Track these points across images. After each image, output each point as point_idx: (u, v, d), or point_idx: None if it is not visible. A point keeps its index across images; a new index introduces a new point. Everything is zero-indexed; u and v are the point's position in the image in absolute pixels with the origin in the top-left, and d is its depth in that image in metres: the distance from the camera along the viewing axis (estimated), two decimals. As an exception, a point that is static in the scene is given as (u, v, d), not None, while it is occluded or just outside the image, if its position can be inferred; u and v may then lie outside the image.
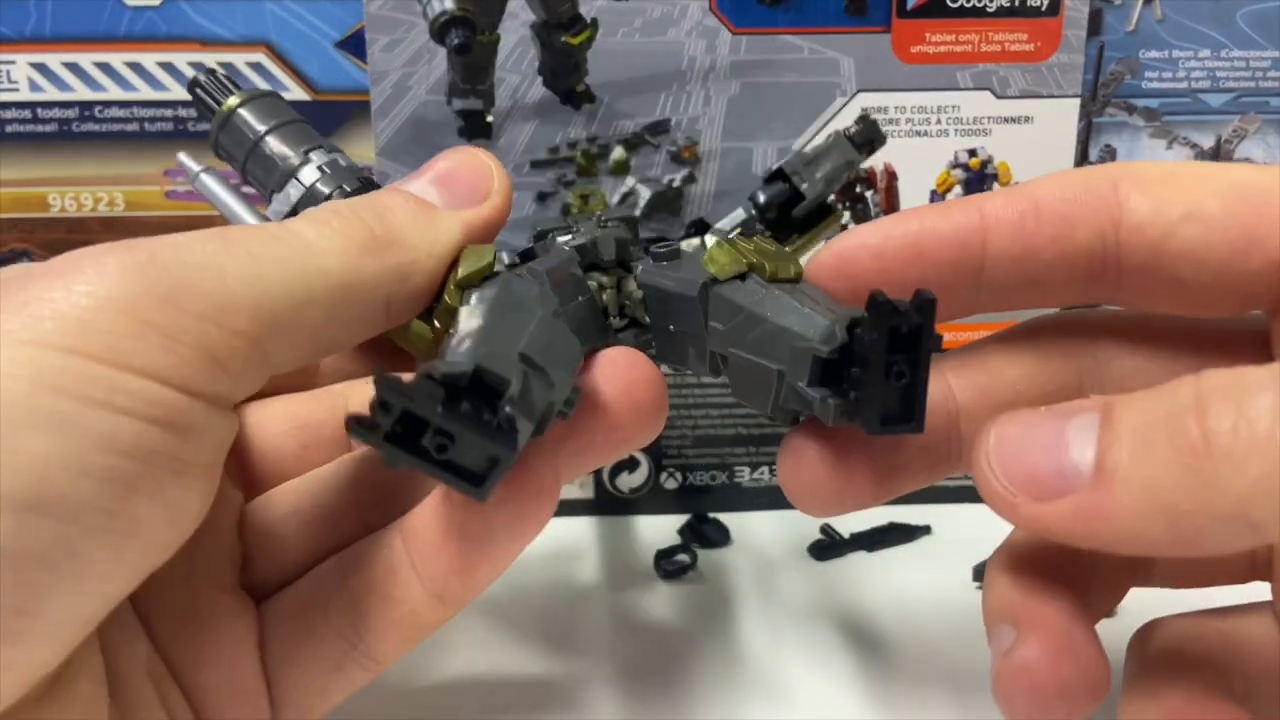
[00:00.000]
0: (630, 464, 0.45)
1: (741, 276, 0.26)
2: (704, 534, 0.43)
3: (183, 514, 0.23)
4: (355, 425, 0.21)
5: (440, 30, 0.40)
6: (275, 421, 0.31)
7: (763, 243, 0.28)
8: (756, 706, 0.34)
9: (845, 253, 0.27)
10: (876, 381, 0.23)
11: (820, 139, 0.42)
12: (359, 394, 0.32)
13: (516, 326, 0.23)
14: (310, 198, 0.30)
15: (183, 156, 0.33)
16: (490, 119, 0.41)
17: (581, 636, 0.35)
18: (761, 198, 0.32)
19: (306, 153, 0.31)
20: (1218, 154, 0.44)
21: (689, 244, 0.29)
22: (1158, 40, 0.42)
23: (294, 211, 0.30)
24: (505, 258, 0.28)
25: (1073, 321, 0.28)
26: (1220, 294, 0.25)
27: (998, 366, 0.27)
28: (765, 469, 0.45)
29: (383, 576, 0.26)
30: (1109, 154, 0.44)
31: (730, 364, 0.26)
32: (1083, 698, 0.25)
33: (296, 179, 0.31)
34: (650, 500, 0.45)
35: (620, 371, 0.26)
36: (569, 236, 0.29)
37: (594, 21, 0.40)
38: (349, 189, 0.30)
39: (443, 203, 0.28)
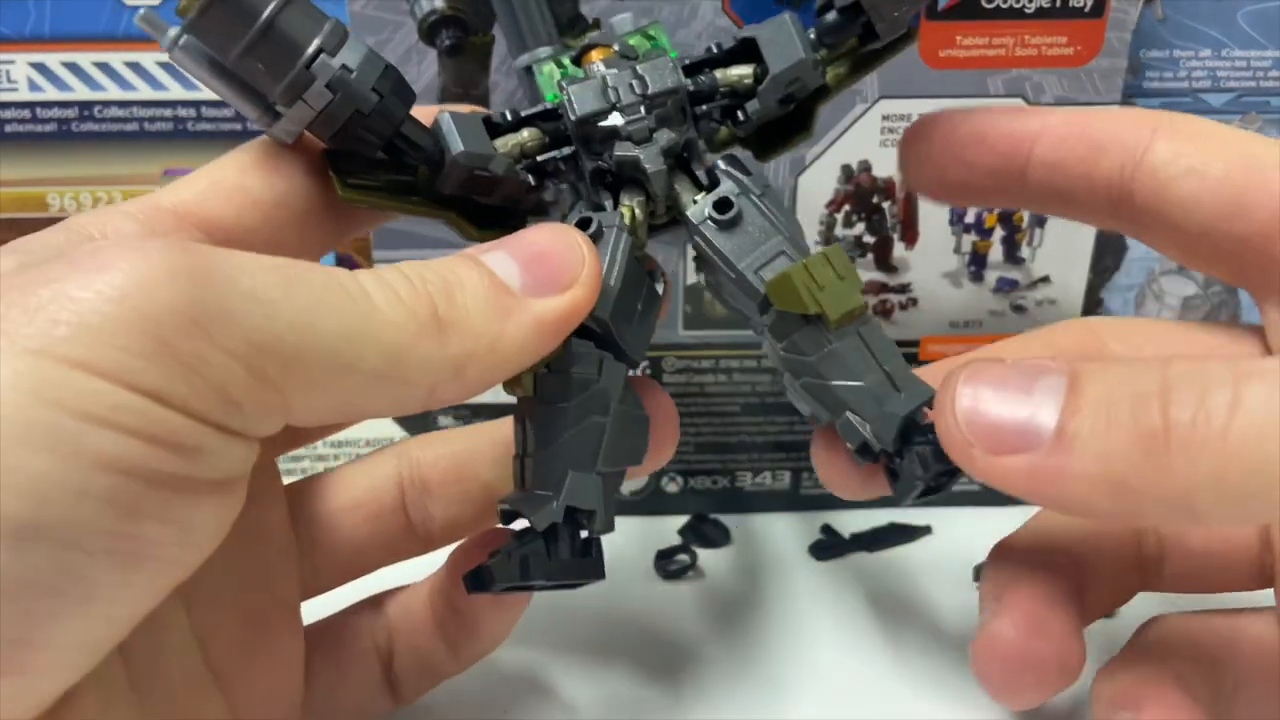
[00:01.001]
0: (631, 469, 0.44)
1: (804, 319, 0.27)
2: (704, 534, 0.43)
3: (197, 534, 0.22)
4: (473, 585, 0.27)
5: (430, 31, 0.37)
6: None
7: (832, 261, 0.28)
8: (757, 706, 0.34)
9: (926, 125, 0.31)
10: (911, 482, 0.27)
11: (841, 145, 0.39)
12: None
13: (593, 434, 0.27)
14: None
15: (146, 15, 0.25)
16: (485, 125, 0.39)
17: (581, 636, 0.35)
18: (824, 34, 0.29)
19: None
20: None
21: (749, 204, 0.29)
22: (1159, 39, 0.40)
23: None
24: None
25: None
26: (1209, 250, 0.28)
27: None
28: (767, 474, 0.44)
29: (411, 630, 0.31)
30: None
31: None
32: (1051, 674, 0.28)
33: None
34: (650, 504, 0.45)
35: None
36: (622, 149, 0.28)
37: (596, 22, 0.37)
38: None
39: (523, 286, 0.25)
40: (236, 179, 0.27)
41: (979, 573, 0.39)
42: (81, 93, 0.39)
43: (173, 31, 0.25)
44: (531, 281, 0.25)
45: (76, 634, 0.20)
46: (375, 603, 0.33)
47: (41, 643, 0.20)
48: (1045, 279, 0.42)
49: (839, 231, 0.40)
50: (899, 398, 0.27)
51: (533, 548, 0.26)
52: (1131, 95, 0.41)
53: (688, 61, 0.29)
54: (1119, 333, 0.30)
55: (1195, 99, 0.41)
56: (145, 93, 0.40)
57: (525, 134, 0.29)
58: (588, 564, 0.27)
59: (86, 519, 0.20)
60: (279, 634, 0.30)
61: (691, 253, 0.30)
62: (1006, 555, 0.30)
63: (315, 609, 0.32)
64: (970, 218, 0.40)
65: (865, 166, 0.40)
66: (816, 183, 0.40)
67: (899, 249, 0.41)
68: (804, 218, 0.40)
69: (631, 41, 0.31)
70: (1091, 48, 0.38)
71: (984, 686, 0.29)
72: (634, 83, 0.28)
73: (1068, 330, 0.31)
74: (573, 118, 0.28)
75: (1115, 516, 0.23)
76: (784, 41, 0.29)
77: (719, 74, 0.30)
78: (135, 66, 0.39)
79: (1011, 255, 0.41)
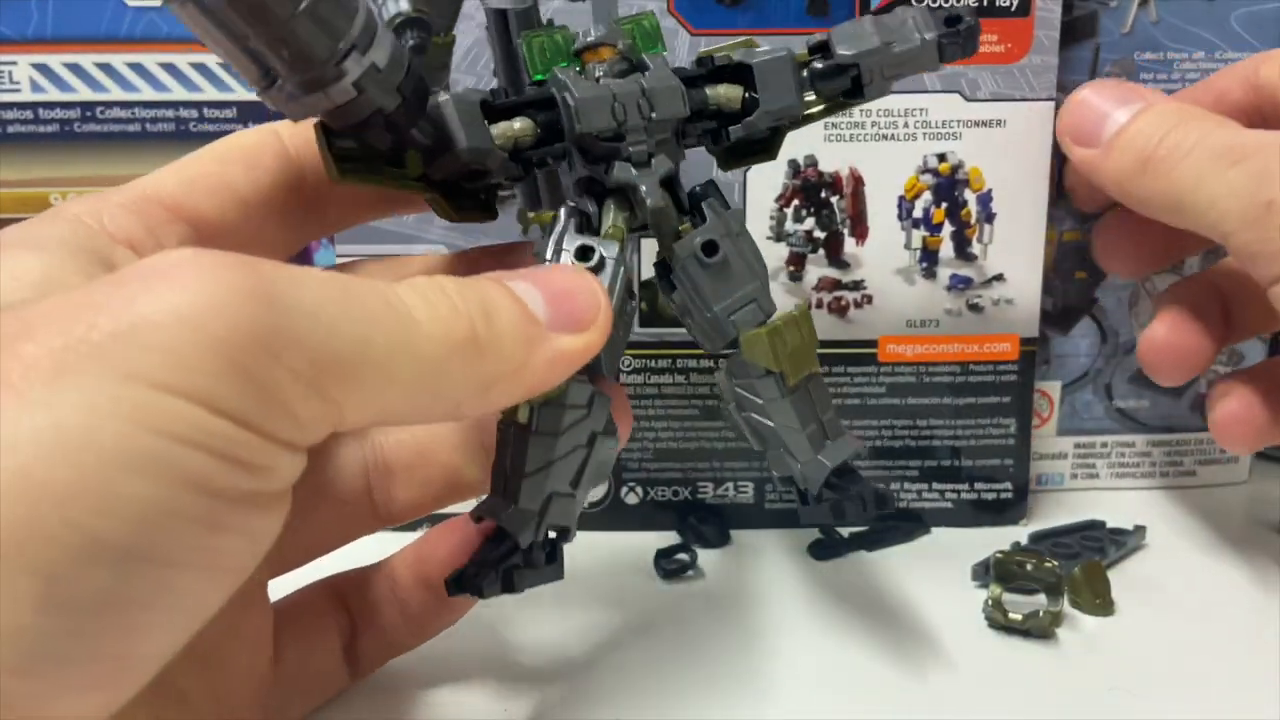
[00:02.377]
0: (589, 477, 0.43)
1: (767, 370, 0.31)
2: (704, 534, 0.43)
3: (261, 540, 0.23)
4: (455, 587, 0.30)
5: (395, 31, 0.40)
6: None
7: (800, 325, 0.32)
8: (756, 706, 0.34)
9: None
10: (848, 519, 0.32)
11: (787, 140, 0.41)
12: None
13: (576, 462, 0.30)
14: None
15: None
16: (446, 121, 0.41)
17: (581, 636, 0.35)
18: (816, 78, 0.33)
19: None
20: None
21: (729, 246, 0.31)
22: (1153, 42, 0.42)
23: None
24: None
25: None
26: None
27: None
28: (729, 485, 0.43)
29: (374, 606, 0.33)
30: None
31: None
32: (1185, 363, 0.38)
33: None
34: (610, 516, 0.44)
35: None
36: (622, 172, 0.30)
37: (550, 23, 0.40)
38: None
39: (547, 320, 0.27)
40: (220, 173, 0.29)
41: (978, 572, 0.40)
42: (84, 93, 0.41)
43: None
44: (555, 317, 0.27)
45: (160, 645, 0.21)
46: (336, 581, 0.34)
47: (134, 655, 0.21)
48: (999, 277, 0.42)
49: (789, 226, 0.41)
50: (829, 447, 0.32)
51: (514, 563, 0.29)
52: None
53: (681, 76, 0.31)
54: (1270, 57, 0.38)
55: (1191, 100, 0.43)
56: (147, 93, 0.41)
57: (518, 125, 0.30)
58: (553, 569, 0.30)
59: (179, 538, 0.21)
60: (252, 613, 0.30)
61: (649, 254, 0.31)
62: (1179, 284, 0.40)
63: (278, 587, 0.33)
64: (919, 212, 0.41)
65: (811, 161, 0.41)
66: (765, 177, 0.41)
67: (850, 244, 0.42)
68: (753, 212, 0.41)
69: (626, 28, 0.32)
70: (1022, 45, 0.40)
71: (1143, 368, 0.39)
72: (641, 103, 0.30)
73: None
74: (578, 130, 0.29)
75: (1126, 204, 0.37)
76: (780, 81, 0.31)
77: (709, 91, 0.32)
78: (137, 67, 0.41)
79: (962, 251, 0.42)
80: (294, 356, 0.22)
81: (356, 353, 0.23)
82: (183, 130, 0.42)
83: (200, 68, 0.42)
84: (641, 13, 0.32)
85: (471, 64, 0.40)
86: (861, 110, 0.40)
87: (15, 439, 0.19)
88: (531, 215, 0.31)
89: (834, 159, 0.41)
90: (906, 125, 0.41)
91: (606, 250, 0.30)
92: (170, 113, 0.42)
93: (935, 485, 0.44)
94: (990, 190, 0.41)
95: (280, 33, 0.25)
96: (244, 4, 0.24)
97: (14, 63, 0.41)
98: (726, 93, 0.32)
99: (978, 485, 0.44)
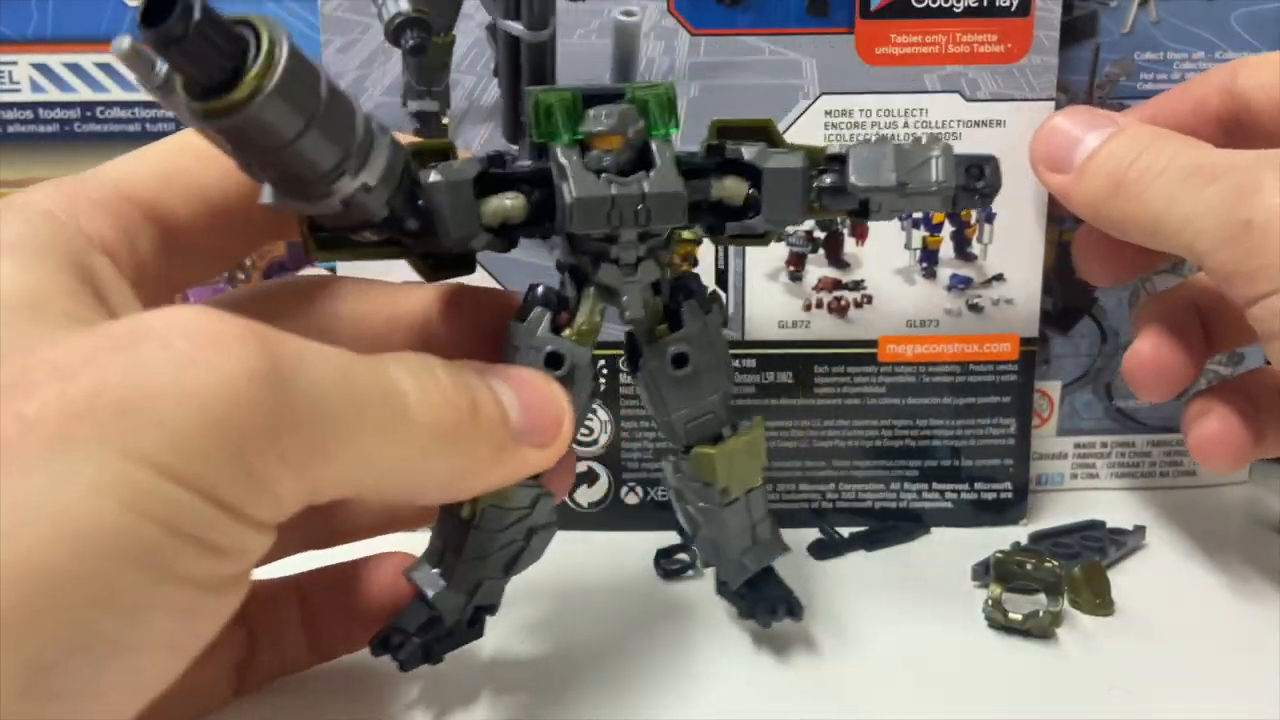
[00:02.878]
0: (589, 477, 0.43)
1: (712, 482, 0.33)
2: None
3: (225, 618, 0.23)
4: (379, 649, 0.31)
5: (395, 32, 0.40)
6: None
7: (752, 447, 0.34)
8: (756, 706, 0.33)
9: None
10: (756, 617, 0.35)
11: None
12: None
13: (512, 552, 0.32)
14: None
15: (130, 50, 0.21)
16: (446, 121, 0.41)
17: (581, 636, 0.35)
18: (824, 193, 0.31)
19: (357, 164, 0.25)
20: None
21: (698, 355, 0.32)
22: (1153, 42, 0.42)
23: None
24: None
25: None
26: None
27: None
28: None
29: (277, 623, 0.33)
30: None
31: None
32: (1168, 380, 0.37)
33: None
34: (610, 516, 0.44)
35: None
36: (608, 275, 0.30)
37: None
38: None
39: (516, 430, 0.27)
40: (195, 171, 0.28)
41: (978, 572, 0.40)
42: (84, 93, 0.41)
43: (163, 70, 0.22)
44: (524, 428, 0.28)
45: (139, 701, 0.22)
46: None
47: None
48: (999, 277, 0.42)
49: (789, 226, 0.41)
50: (754, 550, 0.35)
51: (434, 636, 0.31)
52: (1126, 97, 0.42)
53: (685, 168, 0.30)
54: (1247, 64, 0.38)
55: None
56: (147, 94, 0.42)
57: (509, 203, 0.29)
58: (473, 632, 0.32)
59: (159, 627, 0.21)
60: None
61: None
62: (1156, 300, 0.39)
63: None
64: (919, 212, 0.41)
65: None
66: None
67: (850, 244, 0.42)
68: (754, 212, 0.41)
69: (639, 96, 0.30)
70: (1021, 45, 0.40)
71: (1129, 386, 0.38)
72: (640, 210, 0.29)
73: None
74: (570, 228, 0.29)
75: (1101, 227, 0.36)
76: (788, 193, 0.31)
77: (715, 185, 0.31)
78: None
79: (962, 251, 0.42)
80: (289, 442, 0.22)
81: (346, 437, 0.23)
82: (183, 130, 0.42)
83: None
84: (661, 82, 0.31)
85: (471, 64, 0.40)
86: (861, 110, 0.41)
87: (16, 517, 0.19)
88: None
89: (834, 159, 0.41)
90: (906, 125, 0.41)
91: (578, 359, 0.30)
92: (170, 112, 0.42)
93: (935, 485, 0.44)
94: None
95: (268, 159, 0.24)
96: (233, 134, 0.23)
97: (14, 62, 0.41)
98: (732, 188, 0.31)
99: (978, 485, 0.44)
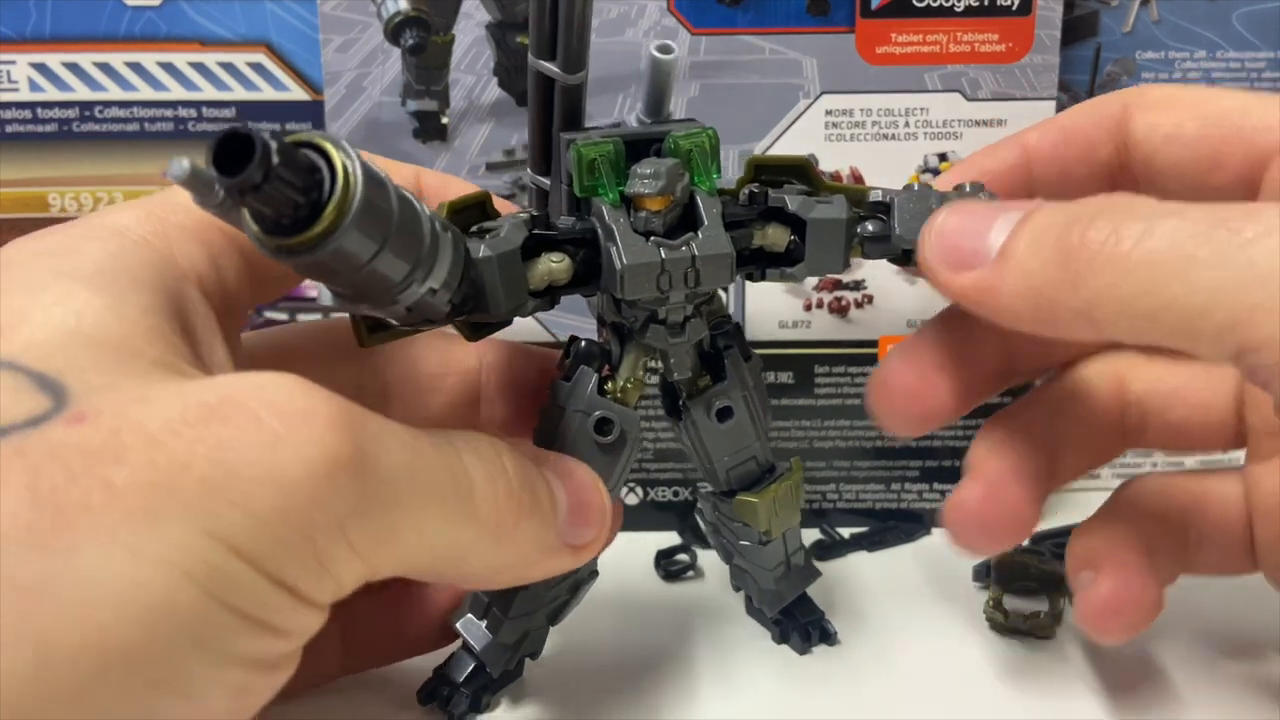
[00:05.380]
0: (589, 477, 0.43)
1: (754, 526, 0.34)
2: (704, 534, 0.42)
3: (275, 690, 0.22)
4: (427, 698, 0.33)
5: (395, 31, 0.40)
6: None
7: (793, 491, 0.34)
8: (757, 706, 0.33)
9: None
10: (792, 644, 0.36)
11: (787, 139, 0.41)
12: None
13: (557, 605, 0.33)
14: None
15: (188, 168, 0.20)
16: (445, 120, 0.41)
17: (581, 636, 0.35)
18: (867, 240, 0.30)
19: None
20: (1210, 159, 0.43)
21: (741, 404, 0.32)
22: (1154, 41, 0.42)
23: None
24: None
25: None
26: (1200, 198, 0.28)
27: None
28: (730, 485, 0.43)
29: None
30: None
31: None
32: (1000, 534, 0.30)
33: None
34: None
35: None
36: (655, 337, 0.30)
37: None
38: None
39: (561, 530, 0.27)
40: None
41: (979, 573, 0.40)
42: (82, 93, 0.41)
43: (222, 191, 0.21)
44: (568, 528, 0.28)
45: None
46: None
47: None
48: (1000, 277, 0.42)
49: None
50: (789, 578, 0.35)
51: (480, 685, 0.32)
52: None
53: (729, 219, 0.29)
54: (1143, 103, 0.31)
55: (1192, 99, 0.43)
56: (146, 93, 0.41)
57: (554, 266, 0.28)
58: (514, 673, 0.33)
59: (213, 708, 0.20)
60: None
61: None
62: (993, 426, 0.32)
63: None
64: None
65: (813, 161, 0.41)
66: (765, 177, 0.41)
67: (850, 244, 0.42)
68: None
69: (681, 145, 0.29)
70: (1023, 44, 0.40)
71: (950, 538, 0.31)
72: (689, 273, 0.28)
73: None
74: (620, 295, 0.28)
75: (1036, 327, 0.26)
76: (830, 243, 0.30)
77: (757, 234, 0.30)
78: (136, 67, 0.41)
79: (963, 251, 0.42)
80: (360, 529, 0.21)
81: (413, 521, 0.23)
82: (181, 130, 0.42)
83: (199, 67, 0.41)
84: (704, 129, 0.29)
85: (471, 63, 0.40)
86: (862, 109, 0.40)
87: (93, 592, 0.18)
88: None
89: (835, 158, 0.41)
90: (907, 125, 0.41)
91: (628, 424, 0.30)
92: (169, 112, 0.42)
93: (935, 485, 0.44)
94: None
95: (339, 281, 0.23)
96: (307, 267, 0.22)
97: (12, 62, 0.41)
98: (774, 235, 0.30)
99: (978, 485, 0.44)
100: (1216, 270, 0.22)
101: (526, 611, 0.32)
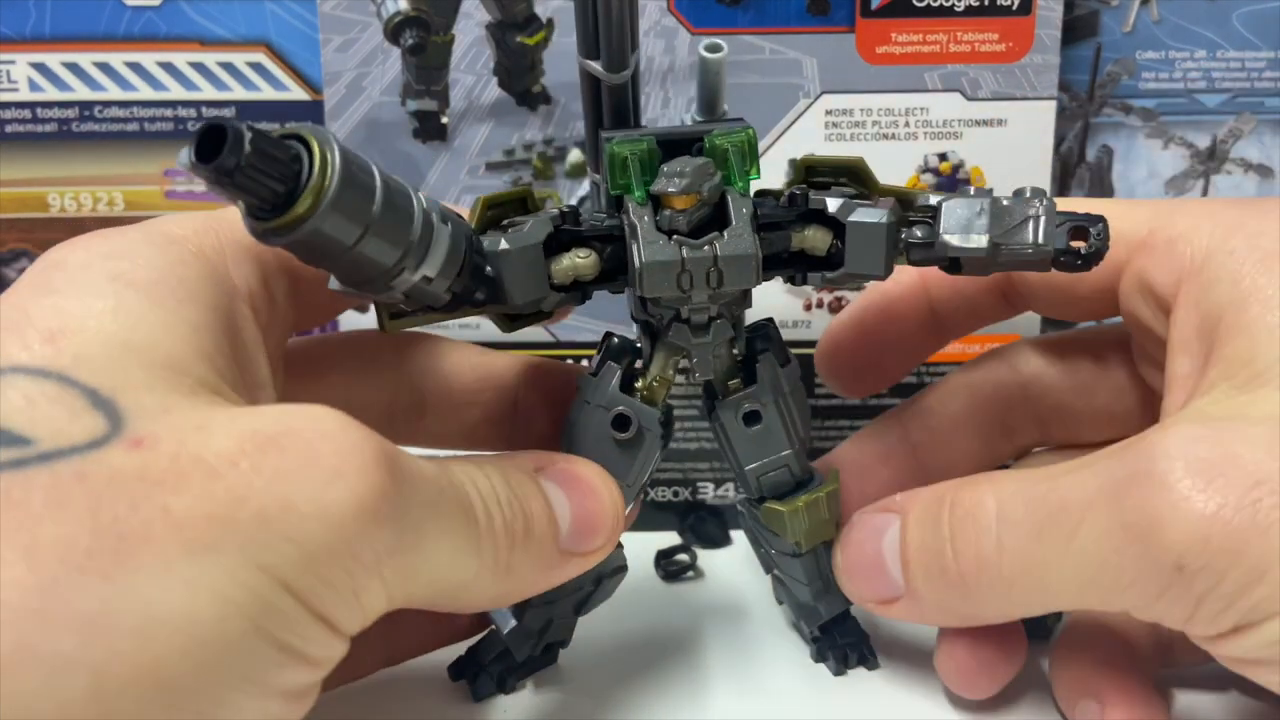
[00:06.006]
0: (589, 477, 0.43)
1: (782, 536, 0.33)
2: (704, 533, 0.43)
3: (300, 717, 0.22)
4: (455, 674, 0.34)
5: (394, 30, 0.40)
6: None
7: (826, 504, 0.33)
8: (757, 706, 0.34)
9: (835, 331, 0.37)
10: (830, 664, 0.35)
11: (787, 139, 0.41)
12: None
13: (582, 596, 0.33)
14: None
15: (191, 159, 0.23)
16: (445, 120, 0.41)
17: (581, 636, 0.35)
18: (912, 246, 0.30)
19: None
20: (1213, 154, 0.43)
21: (773, 409, 0.32)
22: (1154, 41, 0.42)
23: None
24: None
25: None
26: (1069, 308, 0.34)
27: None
28: (730, 485, 0.43)
29: None
30: (1106, 154, 0.43)
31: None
32: (1000, 670, 0.32)
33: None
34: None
35: None
36: (679, 335, 0.30)
37: (549, 21, 0.40)
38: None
39: (566, 539, 0.28)
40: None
41: None
42: (82, 93, 0.41)
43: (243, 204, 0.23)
44: (572, 536, 0.28)
45: None
46: None
47: None
48: (1000, 277, 0.42)
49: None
50: (829, 597, 0.34)
51: (509, 667, 0.33)
52: (1129, 96, 0.42)
53: (764, 220, 0.29)
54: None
55: (1190, 99, 0.43)
56: (146, 93, 0.41)
57: (580, 261, 0.29)
58: (546, 658, 0.34)
59: None
60: None
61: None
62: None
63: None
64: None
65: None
66: (765, 177, 0.41)
67: (850, 244, 0.41)
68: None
69: (718, 145, 0.29)
70: (1023, 44, 0.40)
71: (949, 687, 0.33)
72: (711, 273, 0.28)
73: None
74: (639, 291, 0.28)
75: (965, 622, 0.31)
76: (872, 248, 0.29)
77: (796, 237, 0.30)
78: (135, 66, 0.41)
79: (963, 250, 0.42)
80: (392, 567, 0.22)
81: (426, 559, 0.23)
82: (181, 130, 0.42)
83: (198, 67, 0.41)
84: (743, 128, 0.29)
85: (471, 63, 0.40)
86: (862, 109, 0.40)
87: (149, 625, 0.18)
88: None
89: (834, 158, 0.41)
90: (907, 125, 0.41)
91: (646, 422, 0.30)
92: (168, 112, 0.42)
93: (936, 485, 0.43)
94: (991, 190, 0.41)
95: (329, 263, 0.25)
96: (293, 247, 0.24)
97: (12, 62, 0.41)
98: (814, 237, 0.30)
99: (978, 485, 0.44)
100: (1060, 571, 0.27)
101: (549, 600, 0.32)
